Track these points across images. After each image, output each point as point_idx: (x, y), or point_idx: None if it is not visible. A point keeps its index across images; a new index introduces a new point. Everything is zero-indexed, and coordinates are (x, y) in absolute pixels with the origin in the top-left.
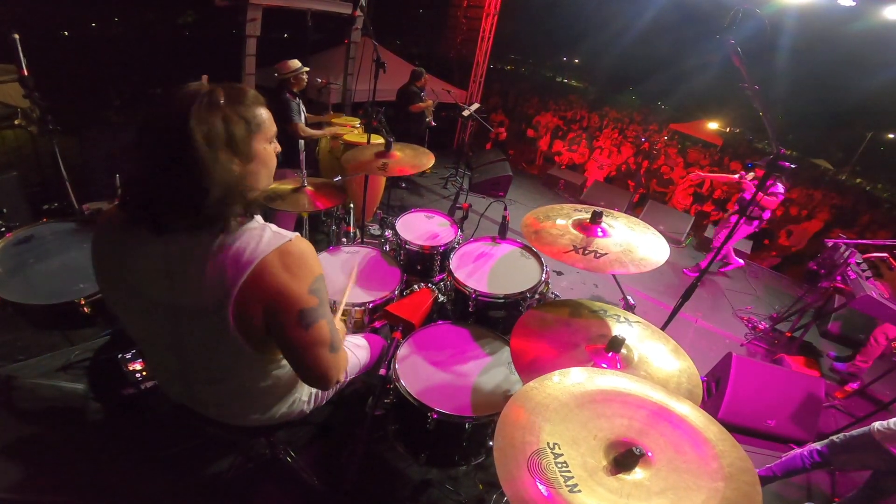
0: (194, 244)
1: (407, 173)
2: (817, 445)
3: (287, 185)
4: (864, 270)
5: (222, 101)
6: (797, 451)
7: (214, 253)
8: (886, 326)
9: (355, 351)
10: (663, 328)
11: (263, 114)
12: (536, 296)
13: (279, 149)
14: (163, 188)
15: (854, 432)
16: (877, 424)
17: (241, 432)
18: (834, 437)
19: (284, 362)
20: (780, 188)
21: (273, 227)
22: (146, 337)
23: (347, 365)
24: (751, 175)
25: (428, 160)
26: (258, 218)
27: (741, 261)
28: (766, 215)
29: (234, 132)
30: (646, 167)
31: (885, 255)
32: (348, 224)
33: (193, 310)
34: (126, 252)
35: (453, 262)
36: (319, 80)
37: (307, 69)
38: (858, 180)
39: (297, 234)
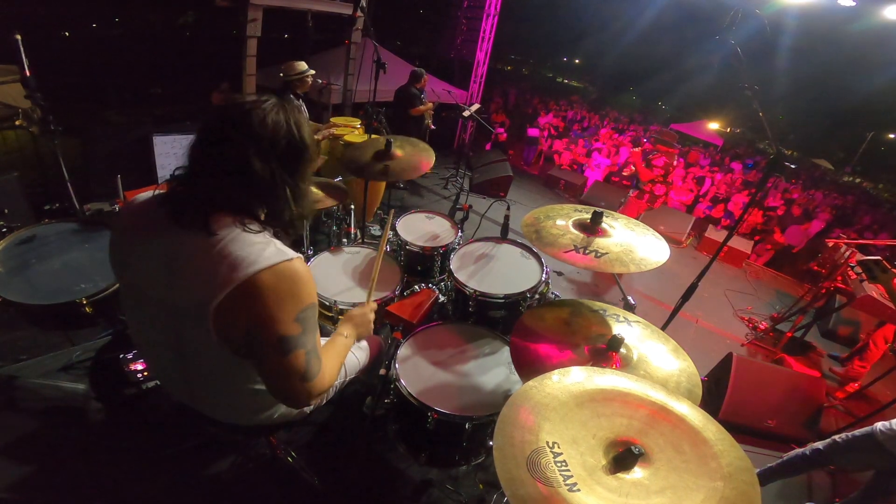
0: (197, 245)
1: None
2: (819, 445)
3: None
4: (858, 273)
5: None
6: (798, 450)
7: (214, 255)
8: (885, 330)
9: (354, 352)
10: (663, 328)
11: None
12: (536, 296)
13: None
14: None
15: (857, 432)
16: (879, 425)
17: (242, 432)
18: (836, 437)
19: None
20: (660, 161)
21: (278, 243)
22: (147, 335)
23: (327, 389)
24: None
25: (428, 156)
26: (265, 232)
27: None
28: (658, 189)
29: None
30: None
31: (878, 257)
32: (349, 224)
33: (189, 309)
34: (131, 250)
35: (454, 263)
36: (320, 81)
37: (313, 71)
38: (858, 180)
39: (300, 255)
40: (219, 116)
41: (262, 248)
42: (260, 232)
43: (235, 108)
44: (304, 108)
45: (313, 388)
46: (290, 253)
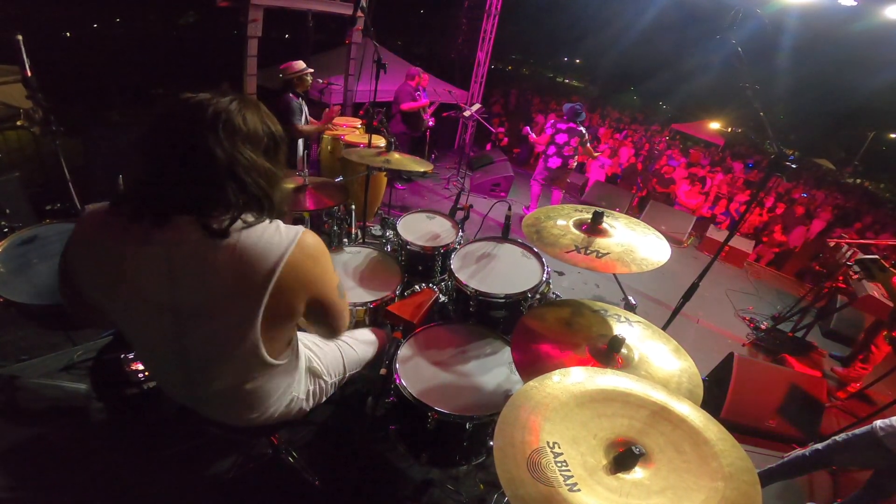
0: (203, 245)
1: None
2: (819, 445)
3: (288, 185)
4: (855, 272)
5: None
6: (798, 451)
7: (235, 253)
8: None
9: (358, 347)
10: (664, 328)
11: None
12: (537, 296)
13: None
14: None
15: (856, 431)
16: (879, 423)
17: (243, 432)
18: (836, 437)
19: (282, 361)
20: (548, 123)
21: (279, 222)
22: (147, 340)
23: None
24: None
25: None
26: (264, 219)
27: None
28: (567, 152)
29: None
30: (643, 169)
31: (876, 256)
32: (350, 224)
33: (198, 311)
34: (126, 254)
35: (455, 263)
36: (321, 81)
37: (311, 70)
38: (859, 180)
39: (301, 226)
40: (182, 119)
41: (276, 230)
42: (261, 221)
43: (198, 108)
44: (304, 106)
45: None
46: (296, 227)
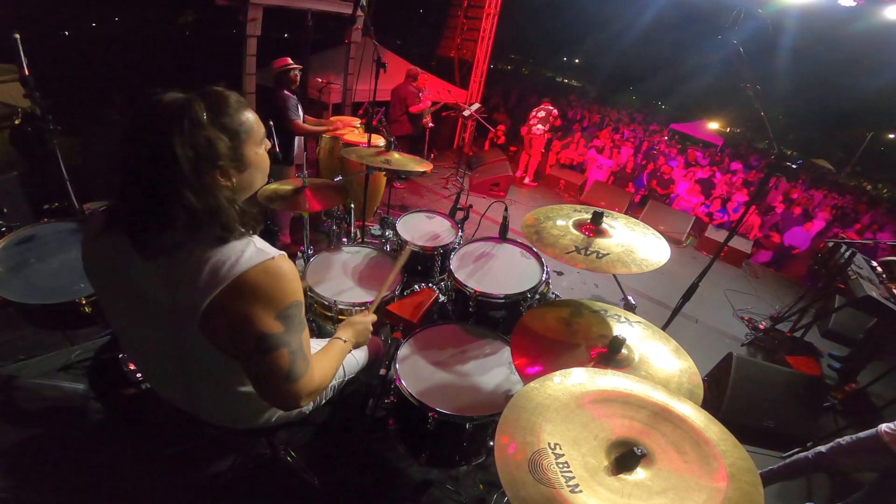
0: (189, 245)
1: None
2: (822, 448)
3: (287, 185)
4: (881, 273)
5: (205, 118)
6: (801, 454)
7: (196, 260)
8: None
9: (353, 352)
10: (664, 328)
11: (250, 117)
12: (537, 296)
13: (269, 145)
14: (148, 208)
15: (861, 434)
16: (884, 427)
17: (242, 433)
18: (839, 440)
19: None
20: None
21: (258, 241)
22: (145, 341)
23: (318, 391)
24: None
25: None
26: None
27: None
28: (532, 122)
29: (222, 149)
30: (645, 167)
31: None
32: (349, 224)
33: (184, 313)
34: (129, 258)
35: (454, 263)
36: (320, 80)
37: (299, 66)
38: (864, 183)
39: (283, 253)
40: (144, 125)
41: (242, 249)
42: (237, 227)
43: (163, 111)
44: (295, 101)
45: (301, 389)
46: (272, 251)
